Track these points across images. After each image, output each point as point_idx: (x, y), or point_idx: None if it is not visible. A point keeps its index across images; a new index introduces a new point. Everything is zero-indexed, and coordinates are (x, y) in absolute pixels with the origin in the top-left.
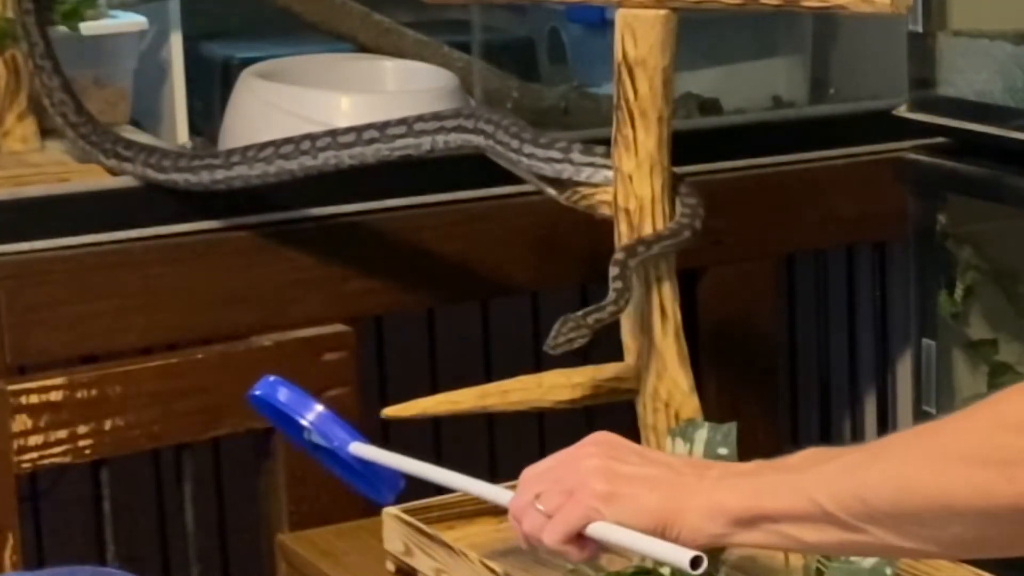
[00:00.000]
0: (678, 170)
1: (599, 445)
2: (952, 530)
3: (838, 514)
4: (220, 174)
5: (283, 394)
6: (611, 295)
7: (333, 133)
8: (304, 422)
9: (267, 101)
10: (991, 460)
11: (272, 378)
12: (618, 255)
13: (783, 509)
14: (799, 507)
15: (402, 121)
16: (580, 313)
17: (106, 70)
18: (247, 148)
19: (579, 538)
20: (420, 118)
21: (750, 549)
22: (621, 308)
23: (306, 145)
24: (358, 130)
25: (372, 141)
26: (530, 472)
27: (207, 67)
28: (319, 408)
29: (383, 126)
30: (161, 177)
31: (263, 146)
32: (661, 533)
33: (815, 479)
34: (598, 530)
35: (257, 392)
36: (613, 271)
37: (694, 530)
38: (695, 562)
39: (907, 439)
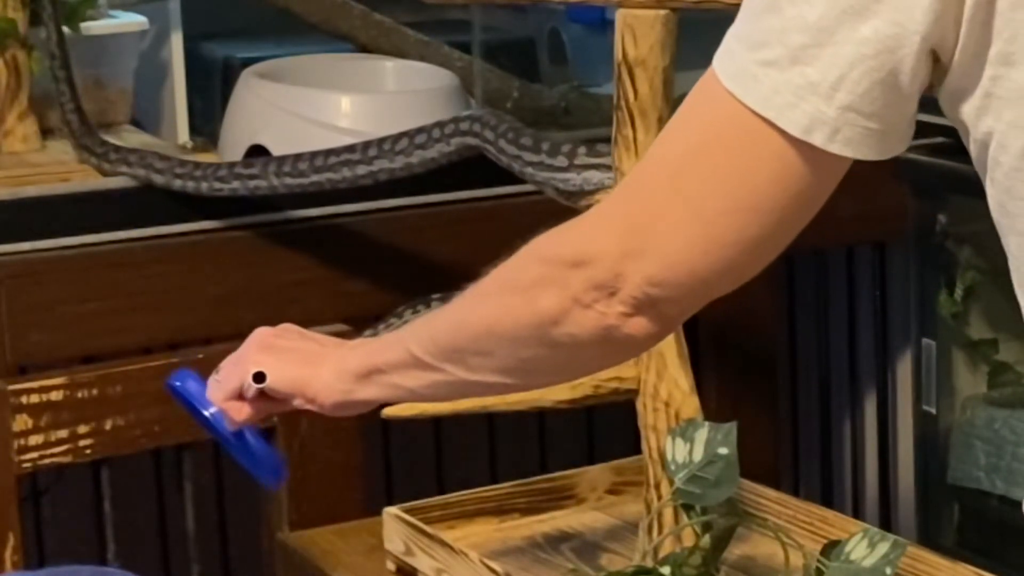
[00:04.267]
0: None
1: (271, 327)
2: (500, 355)
3: (422, 357)
4: (362, 169)
5: (191, 386)
6: (380, 326)
7: (456, 120)
8: (207, 413)
9: (267, 101)
10: (517, 286)
11: (184, 370)
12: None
13: (388, 361)
14: (397, 357)
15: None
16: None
17: (107, 70)
18: (381, 141)
19: (241, 399)
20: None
21: (749, 549)
22: None
23: (437, 133)
24: (476, 116)
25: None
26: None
27: (207, 67)
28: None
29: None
30: (306, 181)
31: (396, 138)
32: (302, 392)
33: (410, 330)
34: (248, 390)
35: (175, 383)
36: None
37: (326, 387)
38: (257, 376)
39: (476, 283)
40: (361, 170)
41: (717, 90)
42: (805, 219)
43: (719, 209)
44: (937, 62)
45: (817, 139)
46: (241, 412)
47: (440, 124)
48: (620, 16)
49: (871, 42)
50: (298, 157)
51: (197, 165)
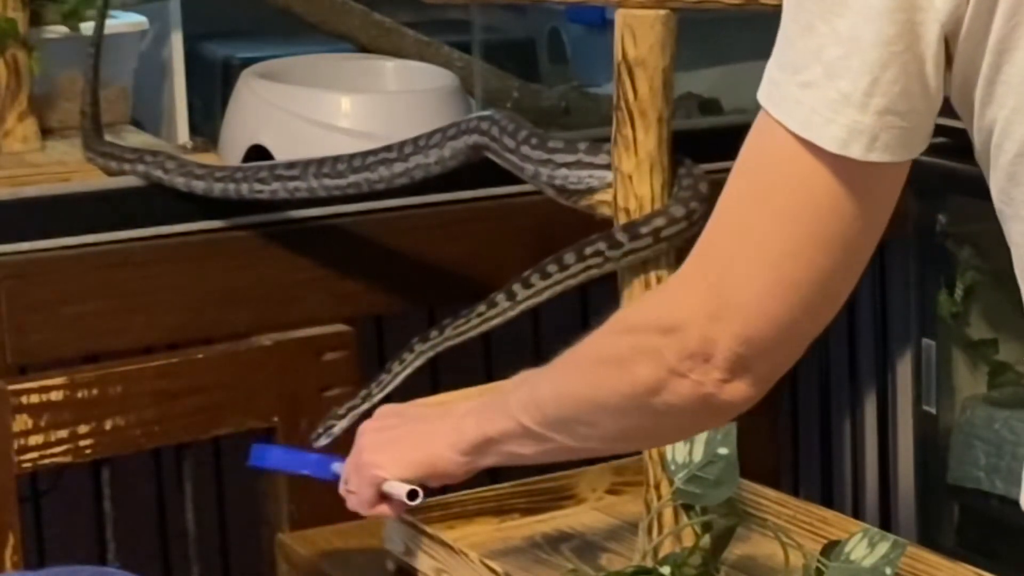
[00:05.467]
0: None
1: (372, 420)
2: (605, 425)
3: (531, 426)
4: (399, 167)
5: (275, 455)
6: (372, 385)
7: (479, 118)
8: (306, 472)
9: (267, 101)
10: (611, 358)
11: (258, 447)
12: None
13: (500, 431)
14: (508, 427)
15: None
16: (339, 408)
17: (107, 70)
18: (416, 138)
19: (384, 497)
20: None
21: (749, 549)
22: (374, 399)
23: (464, 125)
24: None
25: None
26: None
27: (207, 67)
28: (310, 457)
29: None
30: (344, 182)
31: (430, 134)
32: (431, 475)
33: (515, 398)
34: (392, 488)
35: (259, 463)
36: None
37: (452, 464)
38: (411, 495)
39: (568, 351)
40: (398, 167)
41: (767, 124)
42: (873, 240)
43: (783, 251)
44: (947, 51)
45: (855, 151)
46: (393, 510)
47: (466, 120)
48: (620, 16)
49: (898, 39)
50: (337, 158)
51: (237, 168)
